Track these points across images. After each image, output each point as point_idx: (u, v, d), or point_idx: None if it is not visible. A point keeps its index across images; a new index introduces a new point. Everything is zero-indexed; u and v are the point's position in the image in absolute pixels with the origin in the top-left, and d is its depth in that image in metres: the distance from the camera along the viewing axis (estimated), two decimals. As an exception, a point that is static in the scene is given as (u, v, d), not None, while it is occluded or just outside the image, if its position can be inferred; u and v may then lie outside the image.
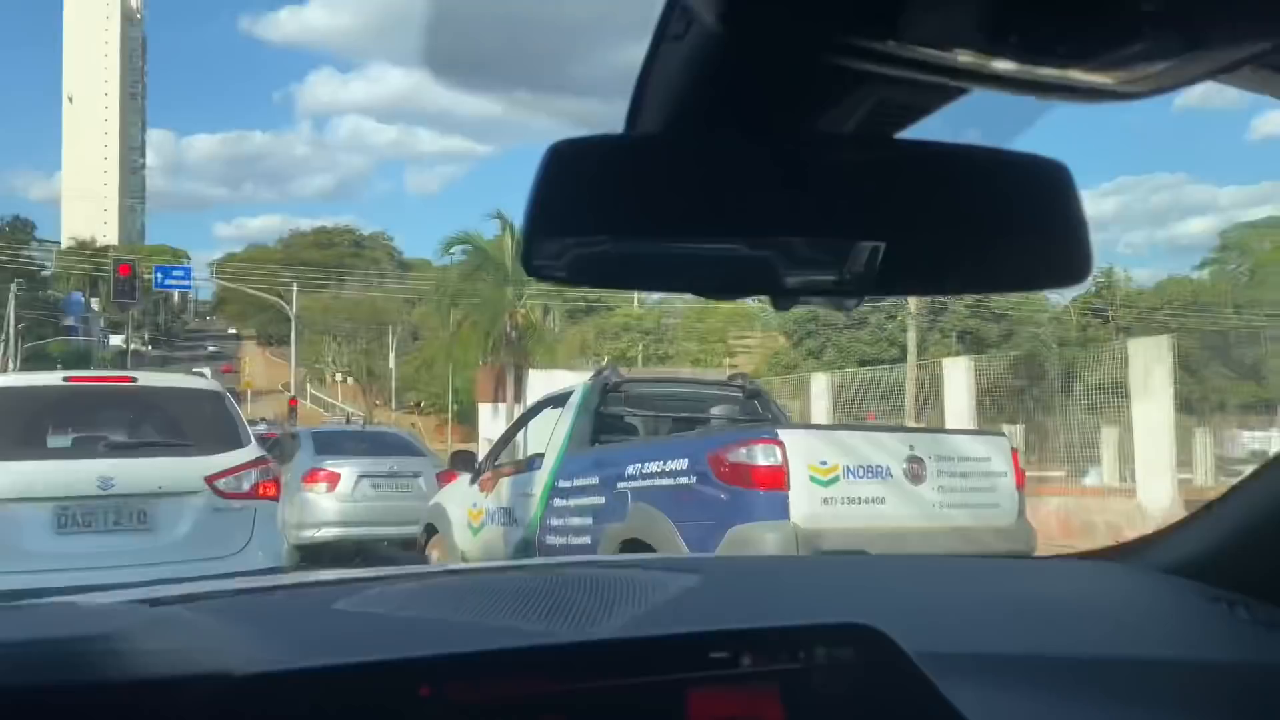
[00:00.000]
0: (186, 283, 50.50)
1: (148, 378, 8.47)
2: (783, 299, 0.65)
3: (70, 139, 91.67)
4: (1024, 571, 1.36)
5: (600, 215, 0.60)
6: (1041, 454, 17.17)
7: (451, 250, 34.98)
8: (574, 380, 9.28)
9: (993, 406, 18.12)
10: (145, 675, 0.75)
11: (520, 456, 8.49)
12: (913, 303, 31.69)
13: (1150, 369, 14.93)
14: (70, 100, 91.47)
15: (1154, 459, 14.06)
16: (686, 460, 6.45)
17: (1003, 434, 8.04)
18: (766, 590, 1.28)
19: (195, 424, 6.82)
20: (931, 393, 19.14)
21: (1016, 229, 0.66)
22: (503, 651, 0.83)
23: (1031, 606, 1.21)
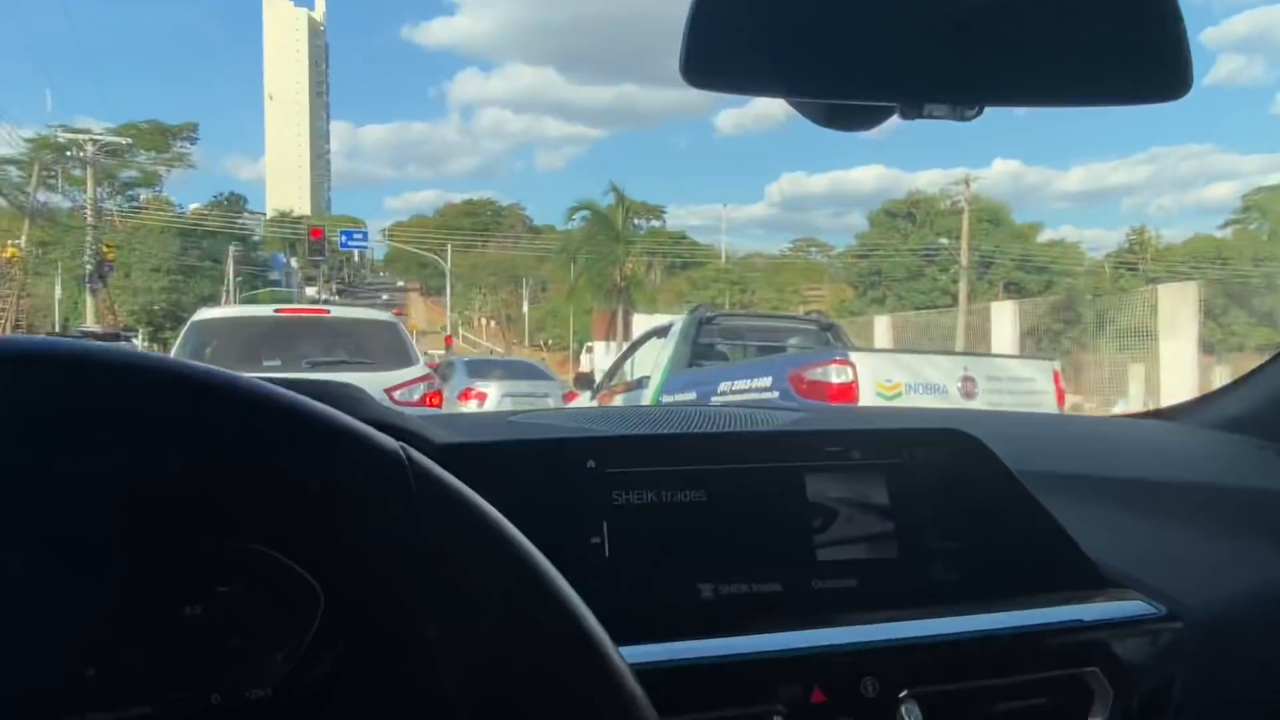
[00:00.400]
0: (365, 244, 52.21)
1: (338, 310, 8.85)
2: (911, 107, 0.61)
3: (271, 130, 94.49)
4: (1087, 422, 1.30)
5: (753, 25, 0.57)
6: (1075, 387, 16.55)
7: (574, 215, 35.65)
8: (672, 317, 9.32)
9: (1034, 345, 17.55)
10: (381, 418, 0.76)
11: (630, 378, 8.60)
12: (964, 256, 30.75)
13: (1177, 312, 14.26)
14: (270, 98, 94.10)
15: (1178, 391, 13.41)
16: (770, 378, 6.45)
17: (1048, 358, 7.77)
18: (868, 417, 1.26)
19: (375, 346, 7.11)
20: (980, 334, 18.64)
21: (1121, 42, 0.61)
22: (653, 437, 0.82)
23: (1094, 444, 1.16)
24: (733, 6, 0.56)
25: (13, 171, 36.07)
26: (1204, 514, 0.97)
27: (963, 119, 0.61)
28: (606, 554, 0.75)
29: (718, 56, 0.57)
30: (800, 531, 0.79)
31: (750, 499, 0.80)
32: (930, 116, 0.62)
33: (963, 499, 0.84)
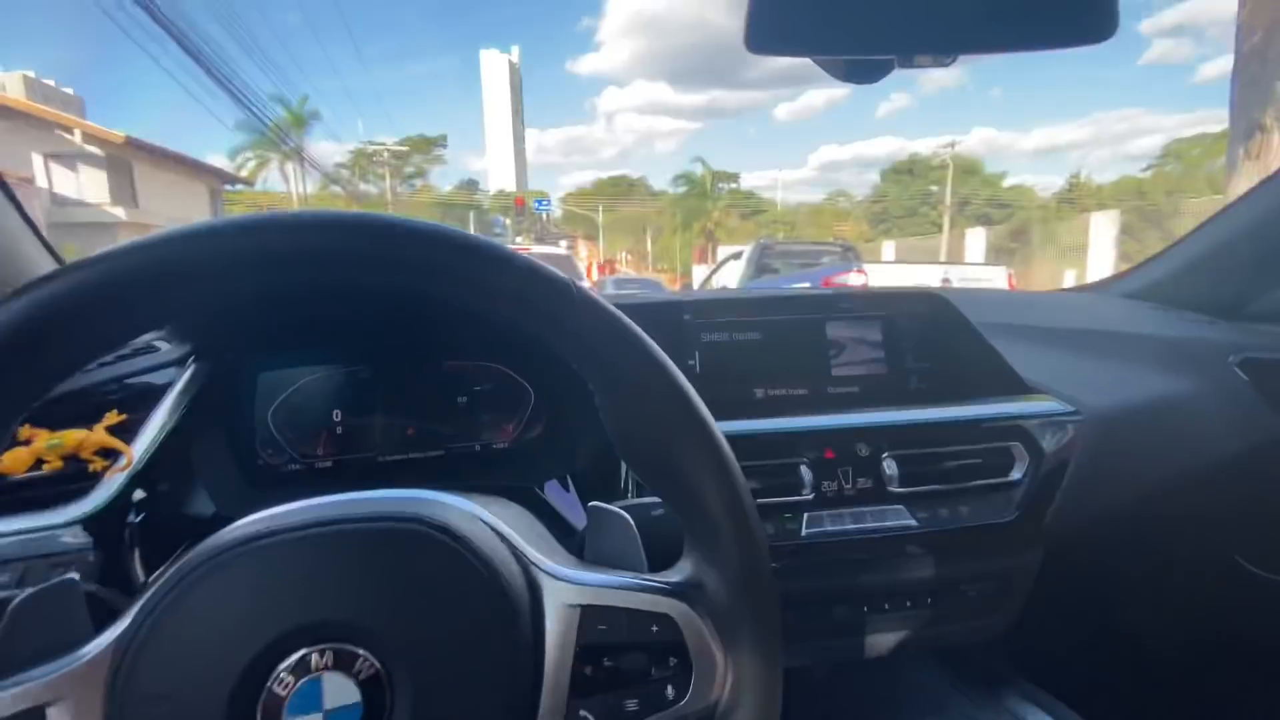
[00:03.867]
0: (549, 208, 51.87)
1: (535, 247, 8.96)
2: (904, 59, 0.54)
3: (489, 136, 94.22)
4: (1025, 294, 1.20)
5: (794, 8, 0.52)
6: (1023, 287, 15.09)
7: (677, 181, 34.94)
8: (743, 247, 9.03)
9: (995, 258, 16.06)
10: None
11: (716, 286, 8.45)
12: (948, 197, 28.02)
13: (1103, 233, 12.68)
14: (489, 116, 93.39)
15: (1100, 288, 12.01)
16: (809, 284, 6.19)
17: (1003, 266, 7.09)
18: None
19: (559, 269, 7.23)
20: (957, 253, 17.23)
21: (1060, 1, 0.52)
22: (726, 300, 0.81)
23: (1029, 306, 1.07)
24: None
25: (344, 171, 37.67)
26: (1104, 349, 0.89)
27: (942, 65, 0.55)
28: (698, 371, 0.76)
29: (768, 30, 0.53)
30: (821, 357, 0.78)
31: (788, 337, 0.78)
32: (919, 66, 0.55)
33: (932, 337, 0.80)
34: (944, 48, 0.53)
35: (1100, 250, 12.54)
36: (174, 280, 0.28)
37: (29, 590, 0.35)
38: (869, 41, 0.53)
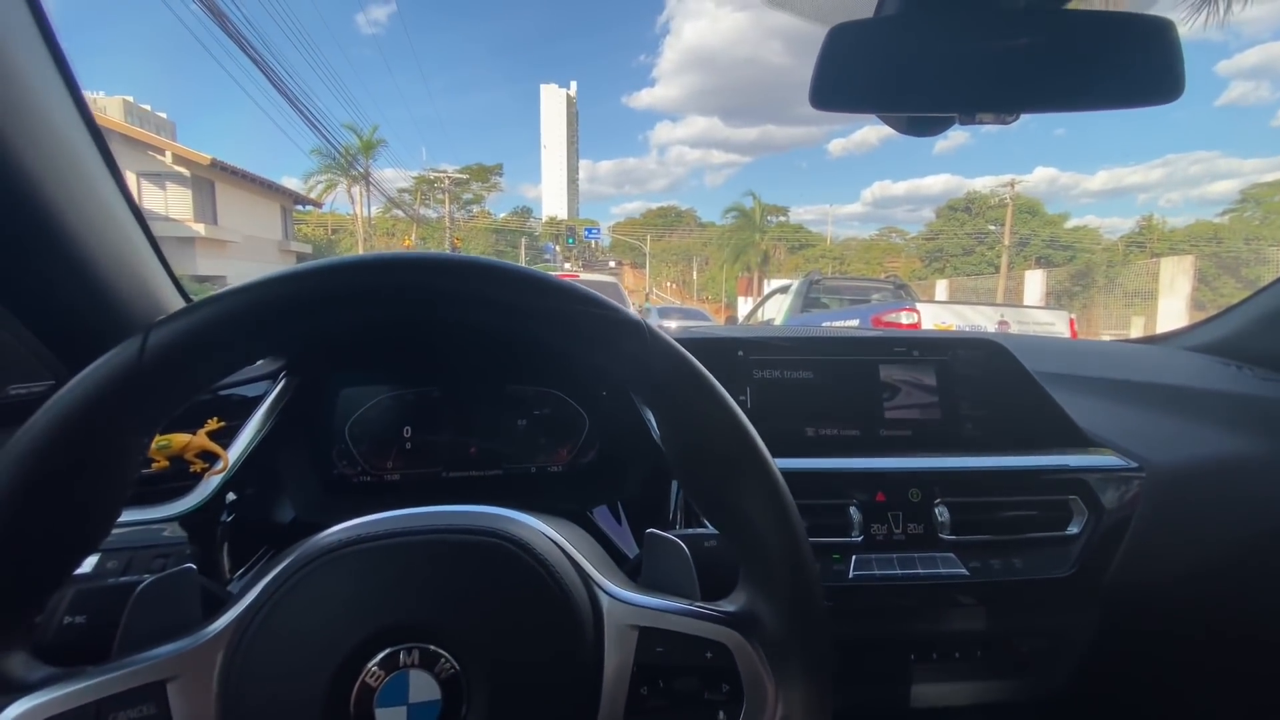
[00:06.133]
0: (598, 236, 52.91)
1: (583, 274, 9.17)
2: (967, 116, 0.56)
3: (545, 166, 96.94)
4: (1088, 343, 1.16)
5: (858, 67, 0.55)
6: (1086, 333, 14.43)
7: (727, 214, 35.25)
8: (791, 280, 8.92)
9: (1055, 301, 15.46)
10: None
11: (762, 320, 8.37)
12: (1006, 237, 27.22)
13: (1175, 278, 12.03)
14: (545, 147, 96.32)
15: (1171, 337, 11.35)
16: (858, 320, 6.04)
17: (1064, 310, 6.76)
18: (925, 333, 1.19)
19: (605, 295, 7.32)
20: (1015, 295, 16.68)
21: (1128, 59, 0.53)
22: (779, 338, 0.83)
23: (1092, 356, 1.04)
24: (845, 57, 0.54)
25: (406, 196, 39.43)
26: (1171, 404, 0.86)
27: (1004, 124, 0.57)
28: (749, 406, 0.77)
29: (834, 89, 0.56)
30: (874, 399, 0.79)
31: (840, 377, 0.79)
32: (980, 123, 0.57)
33: (988, 384, 0.80)
34: (1006, 107, 0.55)
35: (1171, 297, 11.90)
36: (315, 308, 0.33)
37: (152, 576, 0.39)
38: (932, 101, 0.55)
